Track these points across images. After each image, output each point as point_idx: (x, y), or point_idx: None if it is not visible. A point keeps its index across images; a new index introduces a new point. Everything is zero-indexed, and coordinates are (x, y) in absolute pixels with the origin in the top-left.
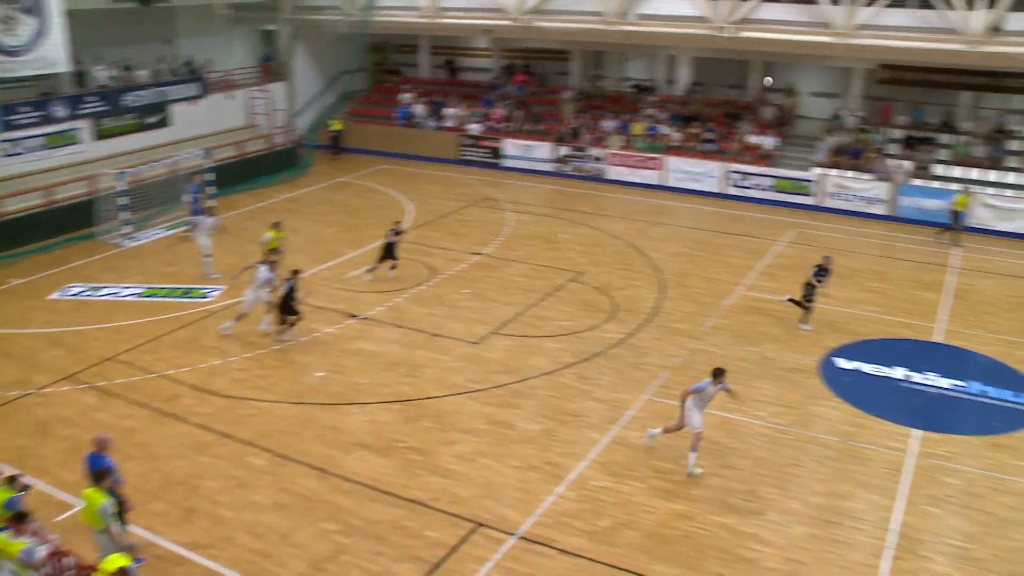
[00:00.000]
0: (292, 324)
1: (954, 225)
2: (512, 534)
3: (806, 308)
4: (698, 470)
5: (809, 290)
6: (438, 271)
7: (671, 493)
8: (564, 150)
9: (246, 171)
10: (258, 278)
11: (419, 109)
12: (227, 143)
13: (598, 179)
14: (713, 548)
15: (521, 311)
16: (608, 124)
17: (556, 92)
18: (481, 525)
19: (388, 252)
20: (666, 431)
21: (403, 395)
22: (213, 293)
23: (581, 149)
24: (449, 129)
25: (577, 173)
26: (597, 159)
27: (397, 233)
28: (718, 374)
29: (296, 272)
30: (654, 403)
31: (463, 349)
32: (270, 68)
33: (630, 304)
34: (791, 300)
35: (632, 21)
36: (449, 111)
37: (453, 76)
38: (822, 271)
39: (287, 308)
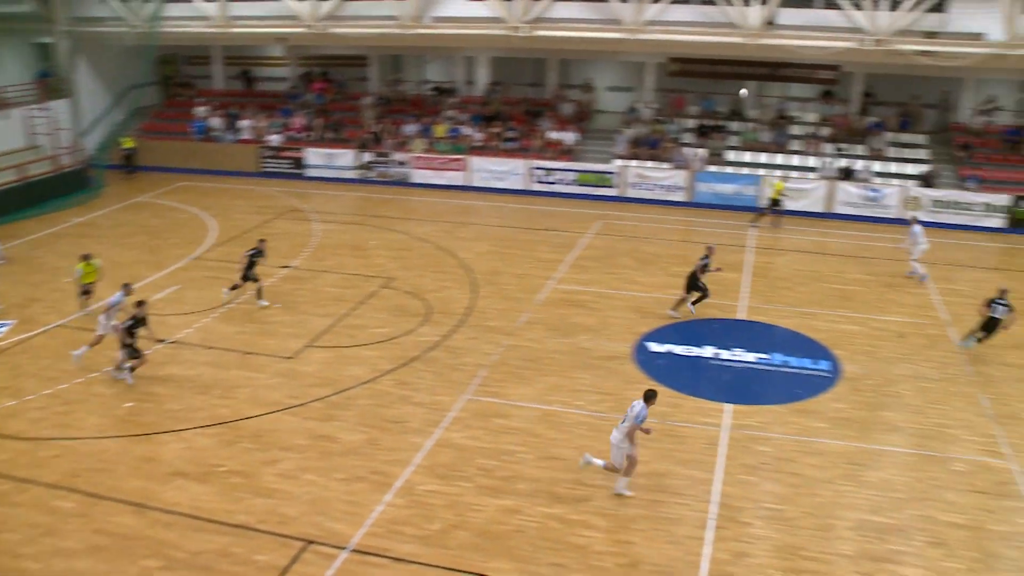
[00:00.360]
0: (133, 367)
1: (772, 209)
2: (344, 548)
3: (704, 295)
4: (628, 492)
5: (695, 280)
6: (246, 287)
7: (498, 490)
8: (367, 156)
9: (30, 196)
10: (108, 302)
11: (216, 122)
12: (5, 166)
13: (403, 183)
14: (545, 539)
15: (335, 322)
16: (410, 128)
17: (356, 98)
18: (312, 542)
19: (247, 273)
20: (607, 468)
21: (219, 418)
22: (1, 329)
23: (384, 154)
24: (248, 141)
25: (382, 179)
26: (401, 163)
27: (257, 253)
28: (650, 396)
29: (141, 303)
30: (474, 403)
31: (278, 365)
32: (49, 84)
33: (444, 306)
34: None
35: (428, 24)
36: (244, 123)
37: (250, 87)
38: (705, 261)
39: (130, 344)
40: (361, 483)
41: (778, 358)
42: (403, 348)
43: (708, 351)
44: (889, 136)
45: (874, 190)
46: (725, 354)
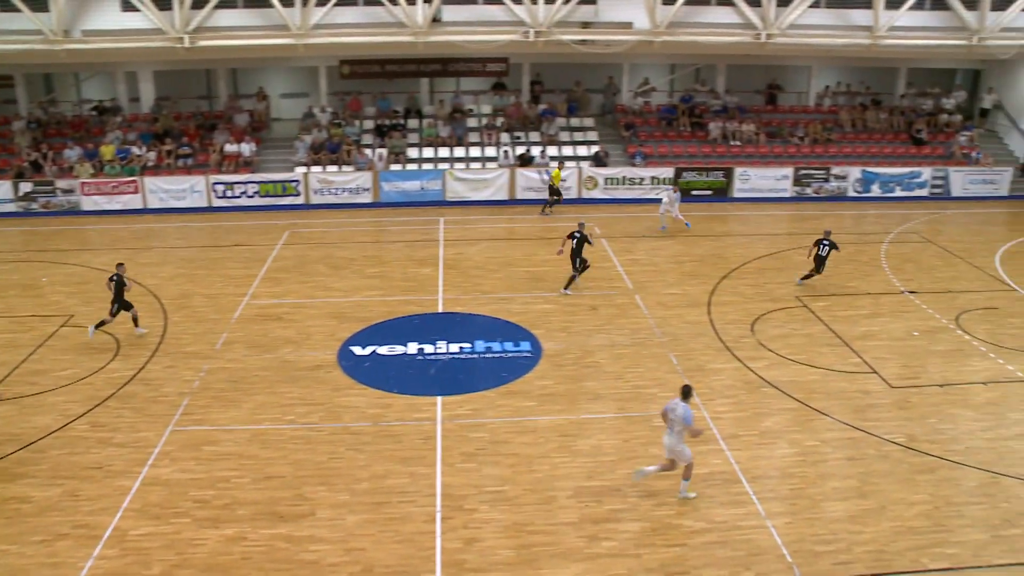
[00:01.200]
0: None
1: (553, 198)
2: None
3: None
4: (692, 494)
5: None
6: None
7: (218, 520)
8: (27, 187)
9: None
10: None
11: None
12: None
13: (73, 212)
14: (274, 562)
15: (10, 371)
16: (72, 152)
17: (5, 123)
18: None
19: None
20: (662, 469)
21: None
22: None
23: (47, 183)
24: None
25: (47, 210)
26: (67, 191)
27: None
28: (687, 393)
29: None
30: (180, 433)
31: None
32: None
33: (134, 337)
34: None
35: (78, 39)
36: None
37: None
38: (580, 236)
39: None
40: (64, 541)
41: (481, 345)
42: (95, 388)
43: (412, 348)
44: (560, 121)
45: (549, 173)
46: (429, 348)
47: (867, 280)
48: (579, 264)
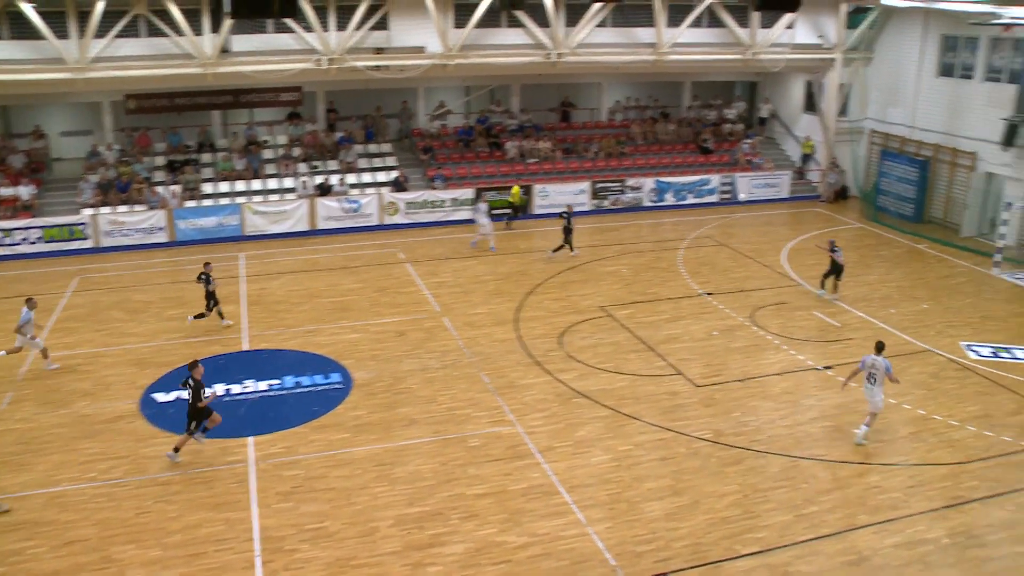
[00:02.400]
0: None
1: (512, 215)
2: None
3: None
4: (865, 440)
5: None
6: None
7: None
8: None
9: None
10: None
11: None
12: None
13: None
14: None
15: None
16: None
17: None
18: None
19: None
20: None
21: None
22: None
23: None
24: None
25: None
26: None
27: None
28: (880, 347)
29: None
30: None
31: None
32: None
33: None
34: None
35: None
36: None
37: None
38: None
39: None
40: None
41: (290, 380)
42: None
43: (219, 389)
44: (358, 148)
45: (352, 201)
46: (236, 388)
47: (667, 285)
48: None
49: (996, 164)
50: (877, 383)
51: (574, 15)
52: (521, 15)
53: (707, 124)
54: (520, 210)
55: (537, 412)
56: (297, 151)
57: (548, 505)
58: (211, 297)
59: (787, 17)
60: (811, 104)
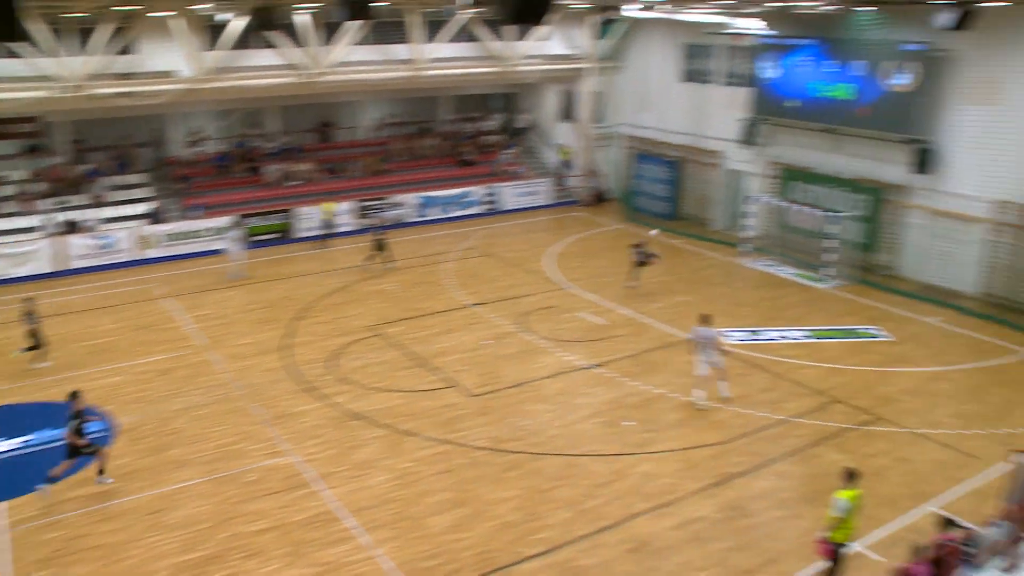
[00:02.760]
0: None
1: (326, 234)
2: None
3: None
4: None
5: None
6: None
7: None
8: None
9: None
10: None
11: None
12: None
13: None
14: None
15: None
16: None
17: None
18: None
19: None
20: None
21: None
22: None
23: None
24: None
25: None
26: None
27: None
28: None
29: None
30: None
31: None
32: None
33: None
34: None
35: None
36: None
37: None
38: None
39: None
40: None
41: (45, 435)
42: None
43: None
44: (108, 181)
45: (104, 237)
46: None
47: (436, 299)
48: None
49: (738, 161)
50: (710, 351)
51: (330, 34)
52: (275, 35)
53: (467, 137)
54: (330, 227)
55: (313, 439)
56: (39, 186)
57: (332, 532)
58: (34, 335)
59: (540, 29)
60: (567, 112)
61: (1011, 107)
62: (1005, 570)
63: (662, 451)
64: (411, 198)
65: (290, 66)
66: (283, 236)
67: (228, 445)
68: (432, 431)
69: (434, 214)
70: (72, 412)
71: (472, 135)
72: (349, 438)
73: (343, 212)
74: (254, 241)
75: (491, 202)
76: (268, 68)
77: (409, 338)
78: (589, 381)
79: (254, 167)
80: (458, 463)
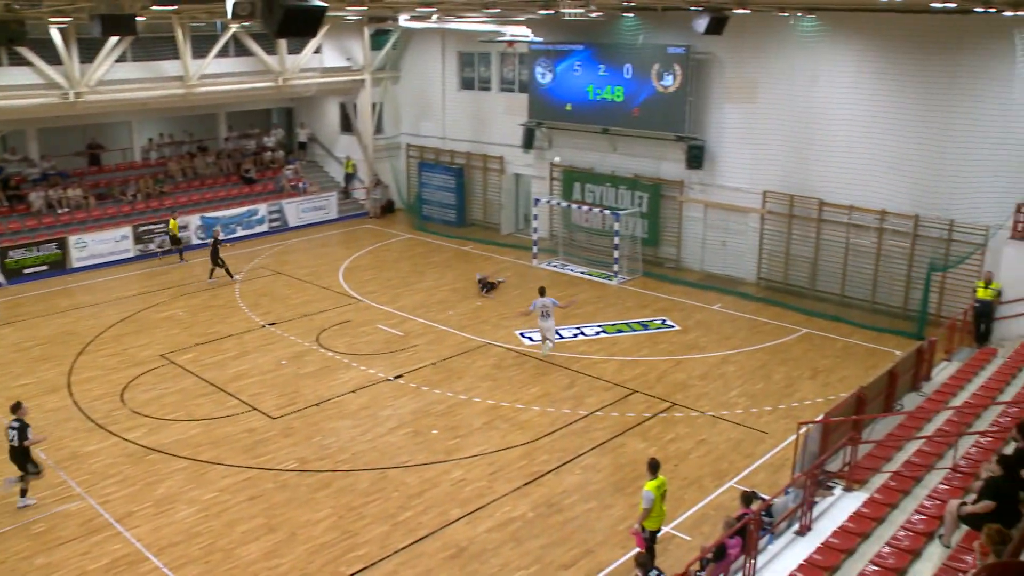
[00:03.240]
0: None
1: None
2: None
3: None
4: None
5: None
6: None
7: None
8: None
9: None
10: None
11: None
12: None
13: None
14: None
15: None
16: None
17: None
18: None
19: None
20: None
21: None
22: None
23: None
24: None
25: None
26: None
27: None
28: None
29: None
30: None
31: None
32: None
33: None
34: None
35: None
36: None
37: None
38: None
39: None
40: None
41: None
42: None
43: None
44: None
45: None
46: None
47: (228, 322)
48: None
49: (521, 165)
50: (550, 317)
51: (90, 51)
52: (26, 52)
53: (247, 154)
54: (179, 242)
55: (108, 479)
56: None
57: (137, 575)
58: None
59: (314, 42)
60: (348, 124)
61: (768, 105)
62: (798, 532)
63: (471, 456)
64: (193, 220)
65: (48, 85)
66: (55, 267)
67: (8, 497)
68: (236, 458)
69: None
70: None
71: (254, 152)
72: (148, 473)
73: (122, 238)
74: (22, 276)
75: (277, 219)
76: (22, 88)
77: (203, 364)
78: (392, 393)
79: (16, 195)
80: (266, 488)
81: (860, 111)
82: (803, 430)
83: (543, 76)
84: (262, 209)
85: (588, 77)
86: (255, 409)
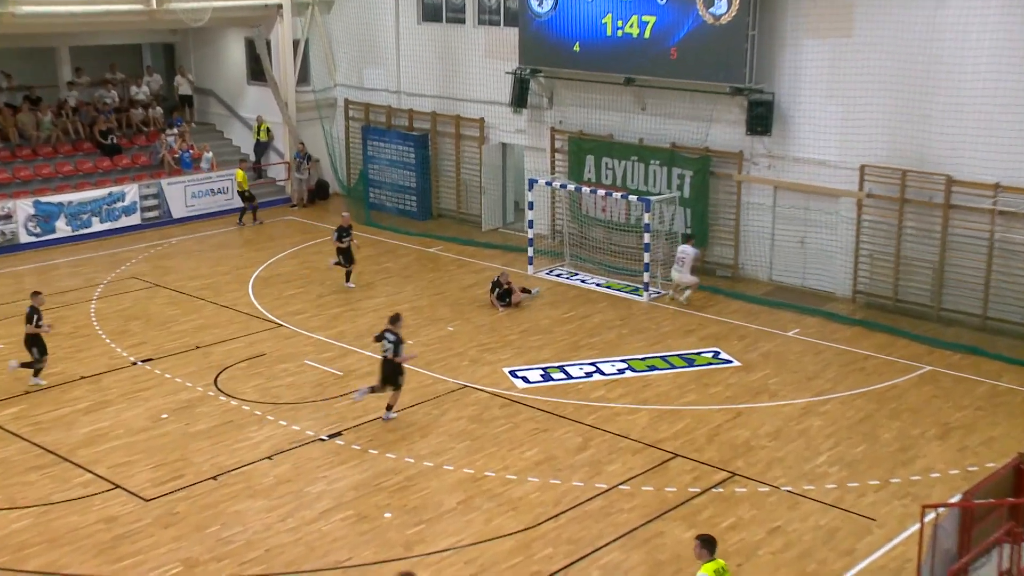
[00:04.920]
0: None
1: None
2: None
3: None
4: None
5: None
6: None
7: None
8: None
9: None
10: None
11: None
12: None
13: None
14: None
15: None
16: None
17: None
18: None
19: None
20: None
21: None
22: None
23: None
24: None
25: None
26: None
27: None
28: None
29: None
30: None
31: None
32: None
33: None
34: None
35: None
36: None
37: None
38: None
39: None
40: None
41: None
42: None
43: None
44: None
45: None
46: None
47: (79, 359)
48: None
49: (510, 132)
50: (686, 267)
51: None
52: None
53: (107, 111)
54: (252, 199)
55: None
56: None
57: None
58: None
59: None
60: (258, 71)
61: (870, 39)
62: None
63: (441, 551)
64: (21, 207)
65: None
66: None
67: None
68: (84, 563)
69: (63, 230)
70: None
71: (117, 108)
72: None
73: None
74: None
75: (156, 207)
76: None
77: (36, 423)
78: (327, 458)
79: None
80: None
81: (1012, 46)
82: (931, 517)
83: (540, 2)
84: (131, 192)
85: (605, 2)
86: (118, 487)
